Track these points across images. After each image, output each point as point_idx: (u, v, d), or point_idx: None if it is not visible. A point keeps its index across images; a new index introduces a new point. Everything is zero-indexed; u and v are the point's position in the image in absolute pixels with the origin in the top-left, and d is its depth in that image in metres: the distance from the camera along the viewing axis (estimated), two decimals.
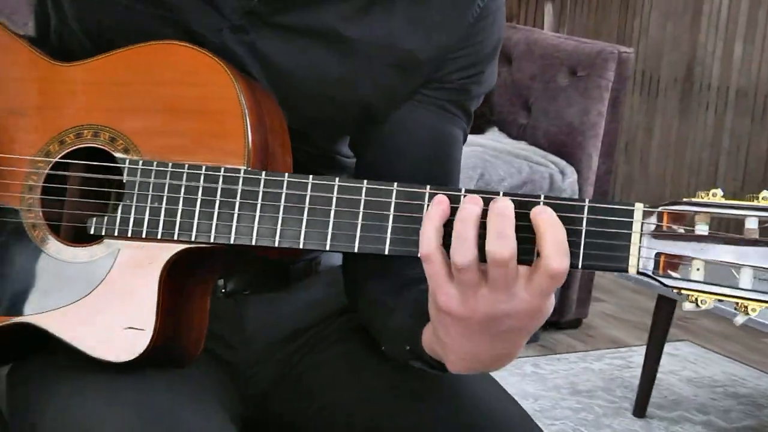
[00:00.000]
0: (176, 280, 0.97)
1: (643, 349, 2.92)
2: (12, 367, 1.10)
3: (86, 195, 1.03)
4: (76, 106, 1.02)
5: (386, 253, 0.91)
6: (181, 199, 0.96)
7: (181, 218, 0.95)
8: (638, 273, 0.85)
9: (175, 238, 0.95)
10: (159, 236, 0.96)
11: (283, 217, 0.93)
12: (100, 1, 1.06)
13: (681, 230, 0.84)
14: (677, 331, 3.41)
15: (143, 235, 0.96)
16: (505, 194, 0.87)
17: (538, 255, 0.84)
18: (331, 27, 1.05)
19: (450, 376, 0.99)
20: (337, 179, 0.92)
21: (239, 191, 0.94)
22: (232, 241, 0.94)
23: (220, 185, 0.95)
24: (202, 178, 0.95)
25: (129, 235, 0.96)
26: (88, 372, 0.98)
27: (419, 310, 0.95)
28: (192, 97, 0.98)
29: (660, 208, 0.85)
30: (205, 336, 1.02)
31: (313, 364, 1.15)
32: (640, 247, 0.85)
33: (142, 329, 0.95)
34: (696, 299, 0.83)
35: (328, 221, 0.92)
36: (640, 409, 2.87)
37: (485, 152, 3.31)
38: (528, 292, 0.85)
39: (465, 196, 0.87)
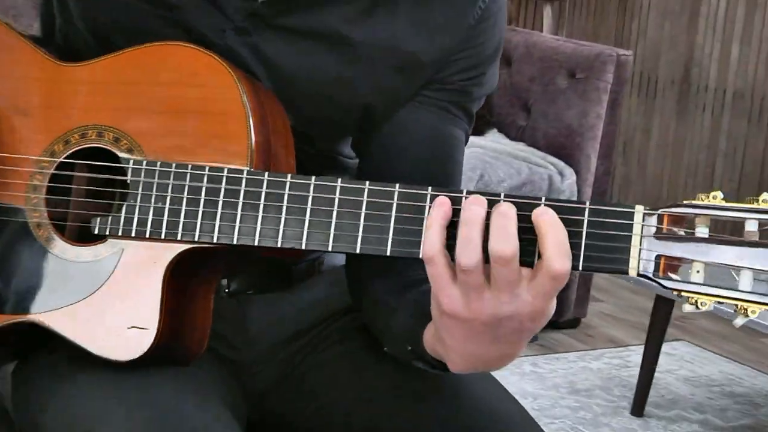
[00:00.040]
0: (180, 279, 0.97)
1: (640, 349, 2.92)
2: (17, 365, 1.10)
3: (91, 195, 1.02)
4: (81, 107, 1.01)
5: (388, 254, 0.90)
6: (185, 200, 0.95)
7: (184, 218, 0.95)
8: (638, 275, 0.85)
9: (179, 238, 0.95)
10: (162, 236, 0.95)
11: (285, 218, 0.93)
12: (111, 3, 1.06)
13: (681, 232, 0.84)
14: (674, 331, 3.40)
15: (147, 235, 0.96)
16: (506, 196, 0.87)
17: (540, 257, 0.84)
18: (333, 29, 1.04)
19: (451, 376, 0.99)
20: (339, 180, 0.92)
21: (242, 192, 0.94)
22: (235, 242, 0.94)
23: (223, 186, 0.95)
24: (205, 178, 0.95)
25: (133, 234, 0.96)
26: (91, 370, 0.98)
27: (420, 311, 0.95)
28: (196, 97, 0.98)
29: (660, 211, 0.85)
30: (209, 335, 1.02)
31: (316, 364, 1.14)
32: (640, 249, 0.84)
33: (146, 328, 0.95)
34: (696, 301, 0.83)
35: (330, 222, 0.92)
36: (638, 408, 2.87)
37: (485, 153, 3.31)
38: (531, 293, 0.84)
39: (467, 197, 0.87)
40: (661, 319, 2.79)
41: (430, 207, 0.88)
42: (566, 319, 3.44)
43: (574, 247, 0.85)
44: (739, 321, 0.82)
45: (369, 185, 0.91)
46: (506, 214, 0.84)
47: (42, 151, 1.01)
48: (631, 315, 3.71)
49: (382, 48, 1.05)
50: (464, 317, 0.86)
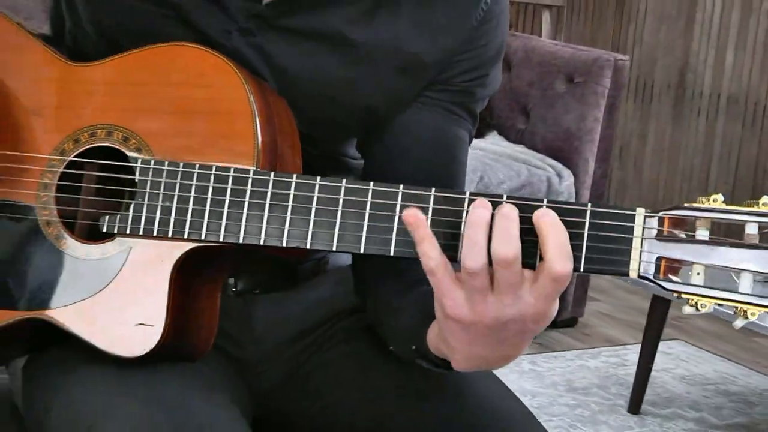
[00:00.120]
0: (186, 278, 0.97)
1: (637, 348, 2.91)
2: (26, 361, 1.09)
3: (99, 193, 1.02)
4: (91, 106, 1.01)
5: (392, 254, 0.90)
6: (192, 199, 0.95)
7: (191, 217, 0.95)
8: (639, 277, 0.84)
9: (186, 236, 0.95)
10: (170, 235, 0.95)
11: (290, 218, 0.92)
12: (114, 3, 1.05)
13: (682, 235, 0.83)
14: (670, 330, 3.40)
15: (154, 234, 0.95)
16: (508, 197, 0.86)
17: (541, 258, 0.83)
18: (336, 30, 1.04)
19: (454, 375, 0.98)
20: (343, 181, 0.91)
21: (248, 192, 0.94)
22: (241, 241, 0.93)
23: (229, 185, 0.94)
24: (212, 178, 0.95)
25: (140, 233, 0.96)
26: (98, 366, 0.98)
27: (424, 311, 0.94)
28: (203, 98, 0.97)
29: (661, 213, 0.84)
30: (215, 333, 1.01)
31: (321, 363, 1.14)
32: (641, 251, 0.84)
33: (153, 326, 0.95)
34: (696, 303, 0.82)
35: (335, 222, 0.91)
36: (634, 406, 2.87)
37: (485, 156, 3.30)
38: (533, 295, 0.83)
39: (470, 199, 0.86)
40: (658, 319, 2.78)
41: (432, 208, 0.88)
42: (564, 318, 3.44)
43: (576, 248, 0.84)
44: (739, 323, 0.82)
45: (373, 186, 0.91)
46: (508, 216, 0.83)
47: (52, 150, 1.01)
48: (628, 315, 3.70)
49: (385, 49, 1.05)
50: (468, 321, 0.85)
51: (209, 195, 0.94)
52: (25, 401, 1.07)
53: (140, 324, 0.95)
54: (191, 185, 0.95)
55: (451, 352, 0.90)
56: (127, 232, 0.96)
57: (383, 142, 1.09)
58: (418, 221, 0.85)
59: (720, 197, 0.83)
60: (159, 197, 0.96)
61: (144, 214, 0.96)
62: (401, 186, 0.90)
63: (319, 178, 0.92)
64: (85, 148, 1.00)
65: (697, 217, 0.83)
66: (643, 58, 4.57)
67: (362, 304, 1.12)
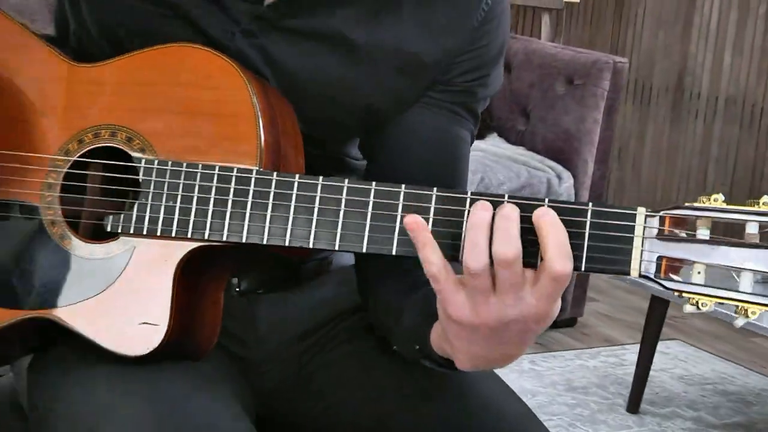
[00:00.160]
0: (190, 277, 0.96)
1: (635, 348, 2.91)
2: (32, 360, 1.09)
3: (103, 193, 1.02)
4: (95, 107, 1.01)
5: (393, 253, 0.90)
6: (195, 199, 0.95)
7: (194, 217, 0.94)
8: (640, 276, 0.84)
9: (189, 236, 0.94)
10: (173, 234, 0.95)
11: (293, 217, 0.92)
12: (117, 4, 1.05)
13: (682, 234, 0.83)
14: (668, 330, 3.39)
15: (158, 233, 0.95)
16: (510, 197, 0.86)
17: (542, 259, 0.83)
18: (337, 30, 1.03)
19: (457, 375, 0.98)
20: (346, 181, 0.91)
21: (251, 191, 0.93)
22: (244, 240, 0.93)
23: (232, 185, 0.94)
24: (215, 178, 0.94)
25: (144, 232, 0.95)
26: (102, 365, 0.97)
27: (427, 311, 0.94)
28: (207, 99, 0.97)
29: (662, 213, 0.84)
30: (219, 333, 1.01)
31: (324, 363, 1.13)
32: (642, 250, 0.83)
33: (157, 325, 0.94)
34: (697, 302, 0.82)
35: (337, 222, 0.91)
36: (633, 405, 2.87)
37: (485, 157, 3.30)
38: (534, 296, 0.83)
39: (471, 199, 0.86)
40: (657, 319, 2.78)
41: (434, 208, 0.87)
42: (563, 318, 3.44)
43: (577, 248, 0.84)
44: (740, 322, 0.81)
45: (375, 185, 0.90)
46: (508, 217, 0.83)
47: (57, 150, 1.00)
48: (626, 315, 3.70)
49: (385, 49, 1.04)
50: (471, 323, 0.84)
51: (212, 195, 0.94)
52: (28, 401, 1.07)
53: (144, 323, 0.95)
54: (194, 185, 0.95)
55: (455, 352, 0.90)
56: (131, 231, 0.96)
57: (385, 143, 1.08)
58: (420, 226, 0.85)
59: (720, 197, 0.82)
60: (162, 197, 0.95)
61: (148, 213, 0.95)
62: (403, 186, 0.90)
63: (321, 178, 0.92)
64: (89, 148, 1.00)
65: (697, 217, 0.83)
66: (642, 61, 4.56)
67: (365, 304, 1.11)
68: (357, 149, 1.15)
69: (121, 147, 0.98)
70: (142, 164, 0.96)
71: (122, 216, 0.96)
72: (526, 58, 3.55)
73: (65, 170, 1.00)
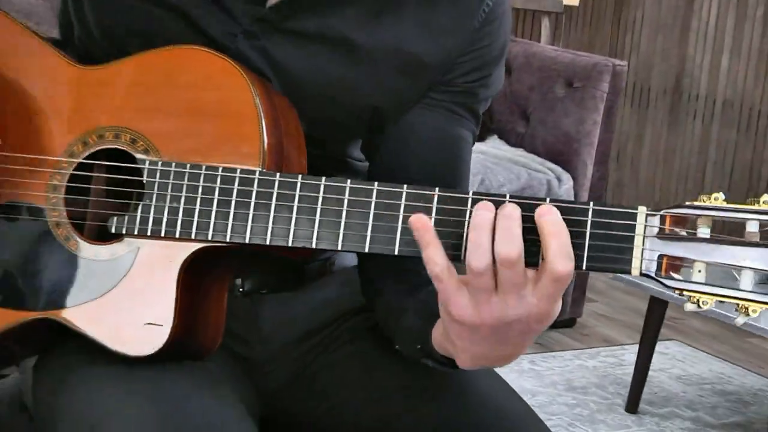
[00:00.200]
0: (194, 278, 0.96)
1: (634, 348, 2.91)
2: (37, 360, 1.08)
3: (108, 194, 1.01)
4: (99, 108, 1.01)
5: (396, 253, 0.89)
6: (199, 200, 0.94)
7: (198, 218, 0.94)
8: (641, 274, 0.84)
9: (193, 237, 0.94)
10: (177, 235, 0.94)
11: (296, 218, 0.92)
12: (117, 4, 1.04)
13: (683, 233, 0.83)
14: (667, 331, 3.39)
15: (162, 234, 0.95)
16: (512, 197, 0.85)
17: (543, 258, 0.83)
18: (338, 31, 1.03)
19: (459, 375, 0.98)
20: (348, 181, 0.91)
21: (254, 192, 0.93)
22: (247, 241, 0.93)
23: (235, 186, 0.94)
24: (218, 179, 0.94)
25: (148, 234, 0.95)
26: (106, 365, 0.97)
27: (429, 311, 0.94)
28: (210, 100, 0.97)
29: (663, 211, 0.84)
30: (222, 333, 1.01)
31: (327, 364, 1.13)
32: (643, 249, 0.83)
33: (161, 325, 0.94)
34: (697, 300, 0.82)
35: (340, 222, 0.91)
36: (632, 405, 2.86)
37: (486, 159, 3.30)
38: (536, 296, 0.83)
39: (473, 199, 0.86)
40: (655, 320, 2.78)
41: (436, 208, 0.87)
42: (563, 318, 3.43)
43: (578, 247, 0.84)
44: (741, 320, 0.81)
45: (378, 186, 0.90)
46: (510, 216, 0.83)
47: (61, 152, 1.00)
48: (625, 315, 3.70)
49: (386, 50, 1.04)
50: (473, 323, 0.84)
51: (216, 196, 0.94)
52: (34, 400, 1.07)
53: (149, 324, 0.95)
54: (198, 186, 0.95)
55: (456, 351, 0.90)
56: (135, 232, 0.95)
57: (388, 144, 1.08)
58: (425, 226, 0.84)
59: (721, 195, 0.82)
60: (166, 198, 0.95)
61: (152, 215, 0.95)
62: (405, 186, 0.90)
63: (324, 178, 0.92)
64: (93, 150, 0.99)
65: (698, 216, 0.83)
66: (640, 64, 4.56)
67: (369, 304, 1.11)
68: (359, 150, 1.15)
69: (125, 149, 0.98)
70: (146, 166, 0.96)
71: (126, 217, 0.96)
72: (526, 61, 3.55)
73: (70, 172, 1.00)
